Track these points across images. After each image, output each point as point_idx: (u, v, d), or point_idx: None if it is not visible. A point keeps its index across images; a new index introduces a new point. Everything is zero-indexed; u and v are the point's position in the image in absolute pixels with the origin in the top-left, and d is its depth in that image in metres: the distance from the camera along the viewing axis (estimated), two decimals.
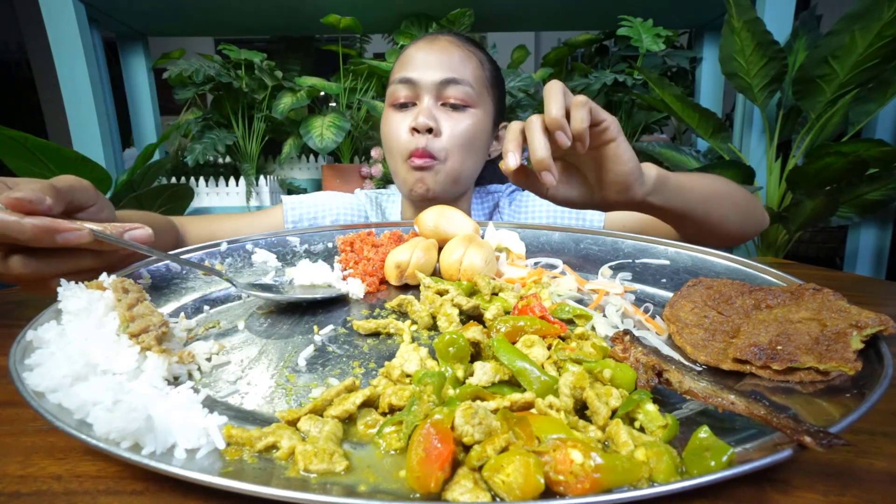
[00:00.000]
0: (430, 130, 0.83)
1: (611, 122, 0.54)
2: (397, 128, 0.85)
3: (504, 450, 0.25)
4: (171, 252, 0.59)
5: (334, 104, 2.07)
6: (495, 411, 0.29)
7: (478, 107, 0.86)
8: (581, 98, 0.52)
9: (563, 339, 0.41)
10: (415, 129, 0.83)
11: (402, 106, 0.86)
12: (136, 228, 0.48)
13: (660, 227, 0.81)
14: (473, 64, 0.87)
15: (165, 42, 2.44)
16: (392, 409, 0.32)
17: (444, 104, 0.85)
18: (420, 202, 0.87)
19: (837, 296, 0.41)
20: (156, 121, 2.14)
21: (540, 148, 0.51)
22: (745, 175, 1.64)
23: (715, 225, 0.72)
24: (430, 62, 0.84)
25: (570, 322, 0.47)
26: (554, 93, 0.52)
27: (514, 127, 0.55)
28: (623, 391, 0.32)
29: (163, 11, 1.87)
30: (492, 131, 0.93)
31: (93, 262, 0.49)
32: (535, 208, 0.98)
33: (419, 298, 0.51)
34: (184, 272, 0.58)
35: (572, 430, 0.28)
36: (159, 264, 0.56)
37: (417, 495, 0.24)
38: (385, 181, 1.93)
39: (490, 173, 1.06)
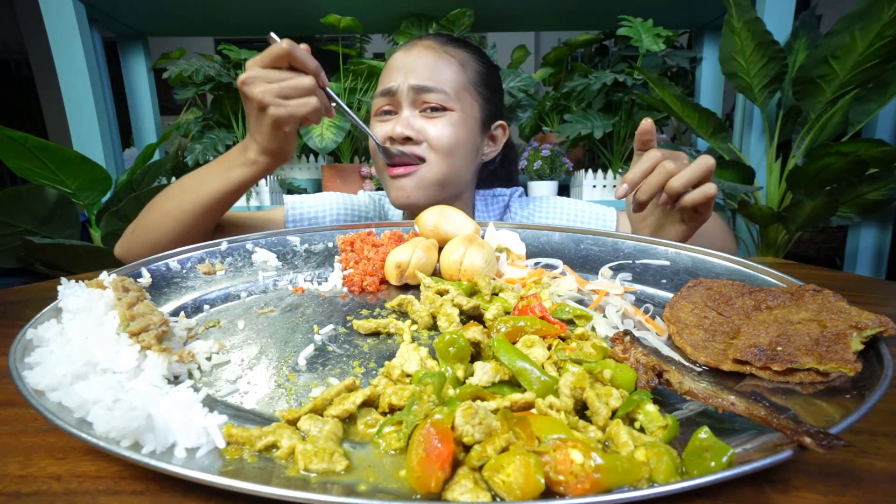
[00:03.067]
0: (407, 139, 0.83)
1: (707, 214, 0.68)
2: (377, 140, 0.87)
3: (504, 450, 0.25)
4: (172, 251, 0.59)
5: (334, 104, 2.07)
6: (495, 411, 0.29)
7: (457, 110, 0.86)
8: (709, 188, 0.63)
9: (563, 339, 0.41)
10: (391, 139, 0.84)
11: (385, 114, 0.88)
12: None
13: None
14: (453, 68, 0.87)
15: (165, 42, 2.44)
16: (392, 409, 0.32)
17: (422, 110, 0.85)
18: (408, 211, 0.88)
19: (837, 297, 0.41)
20: (156, 121, 2.14)
21: (633, 172, 0.66)
22: (745, 175, 1.64)
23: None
24: (405, 69, 0.85)
25: (570, 322, 0.47)
26: (695, 168, 0.63)
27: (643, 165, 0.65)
28: (623, 391, 0.32)
29: (163, 11, 1.87)
30: (480, 132, 0.92)
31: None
32: (549, 216, 0.98)
33: (419, 298, 0.51)
34: (184, 271, 0.58)
35: (572, 431, 0.28)
36: (159, 264, 0.57)
37: (418, 495, 0.24)
38: None
39: (493, 176, 1.06)
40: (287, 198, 0.96)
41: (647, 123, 0.66)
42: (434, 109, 0.85)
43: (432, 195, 0.86)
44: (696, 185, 0.64)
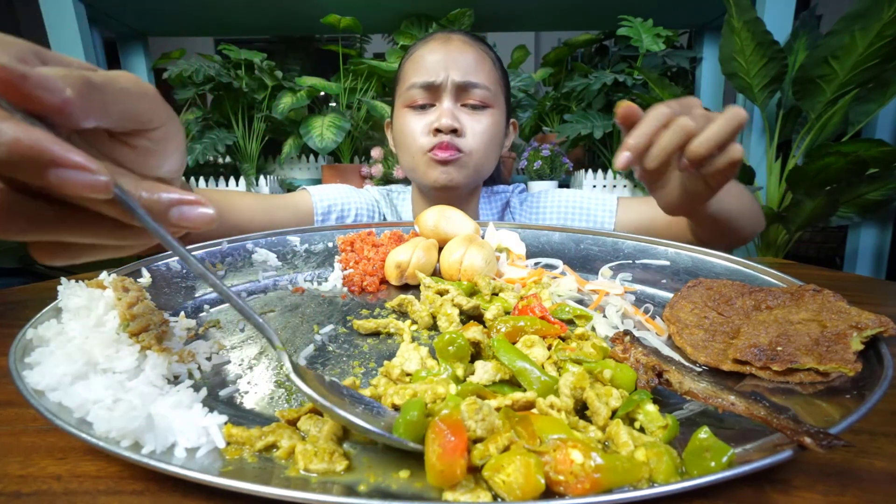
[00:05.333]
0: (453, 131, 0.84)
1: (732, 176, 0.55)
2: (416, 127, 0.86)
3: (506, 449, 0.25)
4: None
5: (334, 104, 2.07)
6: (498, 409, 0.29)
7: (495, 106, 0.88)
8: (734, 152, 0.52)
9: (563, 339, 0.41)
10: (438, 130, 0.84)
11: (421, 107, 0.87)
12: (195, 203, 0.28)
13: (669, 231, 0.84)
14: (488, 65, 0.88)
15: (165, 42, 2.44)
16: (394, 409, 0.32)
17: (463, 104, 0.86)
18: (440, 192, 0.88)
19: (837, 297, 0.41)
20: None
21: (636, 136, 0.51)
22: (745, 175, 1.64)
23: (734, 234, 0.75)
24: (447, 63, 0.85)
25: (570, 322, 0.47)
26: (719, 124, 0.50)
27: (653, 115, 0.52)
28: (623, 391, 0.32)
29: (163, 11, 1.87)
30: (505, 128, 0.94)
31: (109, 239, 0.29)
32: (549, 207, 0.99)
33: (419, 298, 0.51)
34: (184, 271, 0.58)
35: (573, 431, 0.28)
36: (159, 264, 0.56)
37: (417, 496, 0.24)
38: (385, 181, 1.93)
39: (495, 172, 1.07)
40: (311, 189, 0.95)
41: (628, 108, 0.54)
42: (474, 106, 0.86)
43: (470, 182, 0.89)
44: (722, 146, 0.51)
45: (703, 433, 0.26)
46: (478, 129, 0.85)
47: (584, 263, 0.65)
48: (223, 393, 0.36)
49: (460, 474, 0.24)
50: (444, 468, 0.24)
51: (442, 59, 0.85)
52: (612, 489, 0.24)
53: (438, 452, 0.24)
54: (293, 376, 0.30)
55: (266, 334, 0.33)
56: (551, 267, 0.63)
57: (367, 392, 0.33)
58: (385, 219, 1.00)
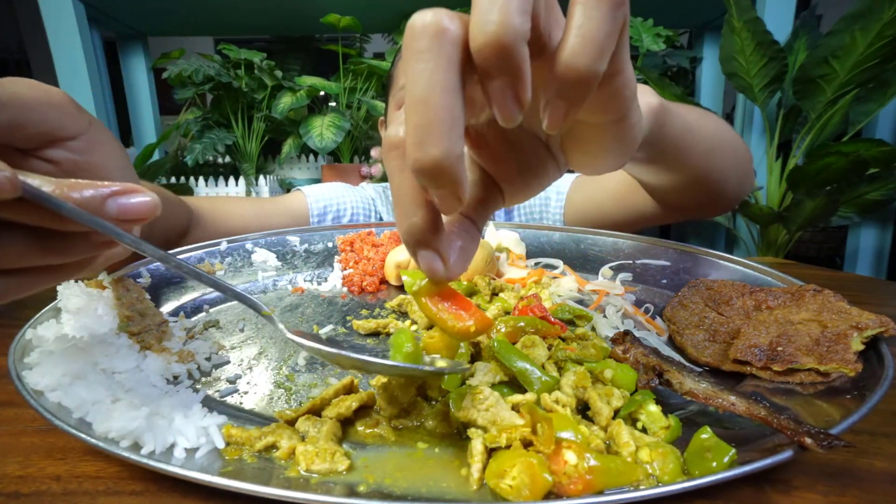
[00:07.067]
0: None
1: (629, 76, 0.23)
2: None
3: (508, 446, 0.25)
4: (172, 251, 0.59)
5: (334, 104, 2.07)
6: (515, 407, 0.29)
7: None
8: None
9: (563, 339, 0.41)
10: None
11: None
12: (131, 192, 0.25)
13: (625, 200, 0.76)
14: None
15: (165, 42, 2.44)
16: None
17: None
18: None
19: (838, 297, 0.41)
20: (156, 121, 2.14)
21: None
22: None
23: (712, 187, 0.57)
24: None
25: (570, 322, 0.47)
26: None
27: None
28: (624, 392, 0.32)
29: (163, 11, 1.87)
30: None
31: (24, 248, 0.25)
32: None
33: None
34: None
35: (580, 427, 0.28)
36: (159, 264, 0.56)
37: (418, 496, 0.24)
38: (384, 181, 1.94)
39: None
40: (306, 189, 0.93)
41: None
42: None
43: None
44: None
45: (705, 433, 0.26)
46: None
47: (584, 263, 0.64)
48: (223, 393, 0.36)
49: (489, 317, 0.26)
50: (465, 322, 0.25)
51: None
52: (610, 489, 0.24)
53: (451, 315, 0.25)
54: (290, 335, 0.30)
55: (248, 302, 0.33)
56: (551, 267, 0.63)
57: (363, 396, 0.33)
58: (381, 217, 0.99)
